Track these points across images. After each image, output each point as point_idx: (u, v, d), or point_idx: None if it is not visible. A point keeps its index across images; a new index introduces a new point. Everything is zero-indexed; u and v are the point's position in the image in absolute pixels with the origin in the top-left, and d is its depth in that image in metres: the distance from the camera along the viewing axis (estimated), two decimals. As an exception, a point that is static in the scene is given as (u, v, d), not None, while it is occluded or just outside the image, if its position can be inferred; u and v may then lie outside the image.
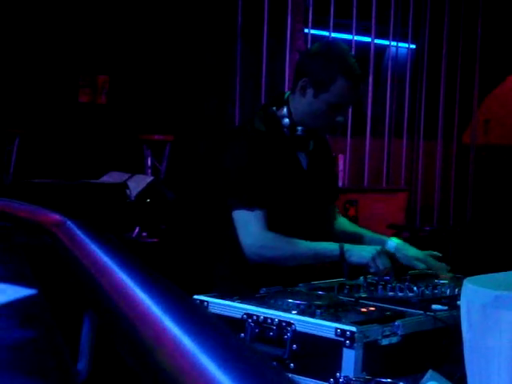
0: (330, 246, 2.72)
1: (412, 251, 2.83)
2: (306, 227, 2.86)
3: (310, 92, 2.80)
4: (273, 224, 2.76)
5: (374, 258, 2.62)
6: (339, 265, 2.83)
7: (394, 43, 8.32)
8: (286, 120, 2.86)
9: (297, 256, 2.74)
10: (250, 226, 2.74)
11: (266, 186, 2.77)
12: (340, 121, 2.87)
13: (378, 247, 2.69)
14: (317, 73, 2.78)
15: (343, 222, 3.16)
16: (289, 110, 2.86)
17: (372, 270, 2.62)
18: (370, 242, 2.90)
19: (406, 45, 8.46)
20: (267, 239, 2.73)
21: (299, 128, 2.85)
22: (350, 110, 7.40)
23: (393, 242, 2.88)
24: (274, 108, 2.89)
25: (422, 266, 2.76)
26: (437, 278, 2.71)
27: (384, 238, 2.99)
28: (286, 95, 2.91)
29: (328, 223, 3.11)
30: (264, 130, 2.83)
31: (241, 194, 2.76)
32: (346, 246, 2.68)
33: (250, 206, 2.74)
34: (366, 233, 3.04)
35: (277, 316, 2.10)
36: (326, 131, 2.99)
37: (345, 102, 2.82)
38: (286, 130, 2.86)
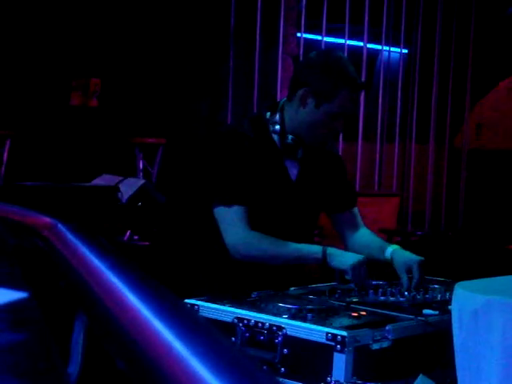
0: (313, 249, 2.72)
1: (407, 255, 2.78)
2: (289, 236, 2.82)
3: (311, 102, 2.76)
4: (256, 229, 2.75)
5: (353, 267, 2.60)
6: (331, 269, 2.82)
7: (386, 48, 8.33)
8: (277, 127, 2.82)
9: (280, 256, 2.74)
10: (230, 224, 2.74)
11: (246, 185, 2.75)
12: (338, 131, 2.86)
13: (362, 256, 2.65)
14: (319, 83, 2.75)
15: (362, 235, 3.06)
16: (282, 117, 2.83)
17: (348, 277, 2.61)
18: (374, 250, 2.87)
19: (399, 49, 8.47)
20: (250, 238, 2.73)
21: (289, 136, 2.82)
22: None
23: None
24: (268, 114, 2.87)
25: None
26: (429, 283, 2.71)
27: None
28: (282, 102, 2.89)
29: (343, 232, 3.06)
30: (251, 135, 2.81)
31: (218, 190, 2.76)
32: (329, 250, 2.67)
33: (228, 203, 2.73)
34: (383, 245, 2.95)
35: (268, 320, 2.10)
36: (322, 143, 2.92)
37: (346, 112, 2.79)
38: (275, 136, 2.84)
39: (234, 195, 2.74)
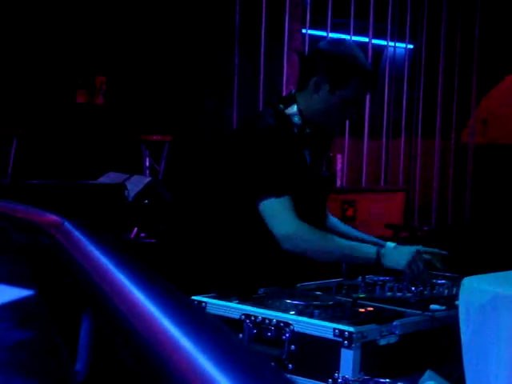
0: (367, 249, 2.67)
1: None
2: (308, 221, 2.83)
3: (325, 89, 2.82)
4: None
5: (409, 264, 2.57)
6: (338, 265, 2.82)
7: (391, 43, 8.31)
8: (297, 118, 2.87)
9: (332, 252, 2.71)
10: (281, 215, 2.71)
11: (288, 176, 2.77)
12: (351, 115, 2.90)
13: (414, 249, 2.63)
14: (333, 70, 2.81)
15: (335, 222, 3.15)
16: (298, 108, 2.88)
17: (407, 276, 2.57)
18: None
19: (404, 45, 8.45)
20: (303, 230, 2.71)
21: (308, 126, 2.86)
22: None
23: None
24: (282, 106, 2.90)
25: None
26: (435, 278, 2.71)
27: (379, 241, 2.95)
28: (292, 94, 2.93)
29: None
30: (275, 125, 2.83)
31: (266, 183, 2.74)
32: (383, 250, 2.63)
33: (278, 194, 2.71)
34: (360, 236, 3.03)
35: (275, 316, 2.10)
36: (337, 127, 3.00)
37: (360, 97, 2.88)
38: (295, 127, 2.87)
39: (282, 186, 2.73)
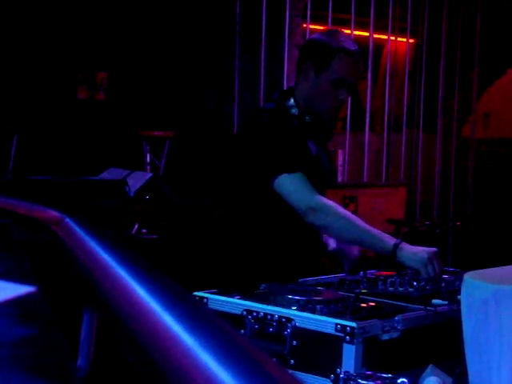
0: (387, 239, 2.62)
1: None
2: None
3: (311, 74, 2.89)
4: (279, 208, 2.75)
5: (425, 265, 2.51)
6: (340, 260, 2.81)
7: (392, 38, 8.30)
8: (294, 110, 2.91)
9: (352, 233, 2.69)
10: (300, 189, 2.72)
11: (296, 155, 2.79)
12: (342, 99, 2.91)
13: (433, 250, 2.56)
14: (316, 53, 2.88)
15: None
16: (295, 100, 2.92)
17: (421, 277, 2.52)
18: None
19: (405, 39, 8.45)
20: (327, 206, 2.70)
21: (307, 117, 2.88)
22: (349, 104, 7.40)
23: None
24: (281, 100, 2.94)
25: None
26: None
27: None
28: (292, 88, 2.99)
29: None
30: (274, 118, 2.86)
31: (280, 160, 2.76)
32: (402, 244, 2.57)
33: (290, 170, 2.73)
34: None
35: (277, 312, 2.10)
36: (331, 114, 2.96)
37: (346, 78, 2.88)
38: (294, 119, 2.90)
39: (294, 163, 2.75)
